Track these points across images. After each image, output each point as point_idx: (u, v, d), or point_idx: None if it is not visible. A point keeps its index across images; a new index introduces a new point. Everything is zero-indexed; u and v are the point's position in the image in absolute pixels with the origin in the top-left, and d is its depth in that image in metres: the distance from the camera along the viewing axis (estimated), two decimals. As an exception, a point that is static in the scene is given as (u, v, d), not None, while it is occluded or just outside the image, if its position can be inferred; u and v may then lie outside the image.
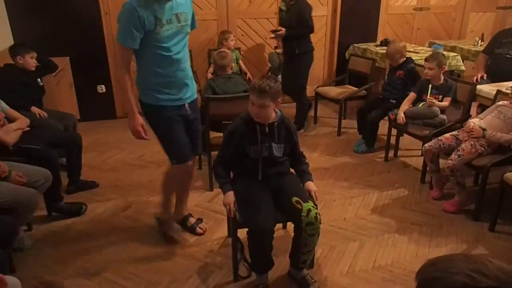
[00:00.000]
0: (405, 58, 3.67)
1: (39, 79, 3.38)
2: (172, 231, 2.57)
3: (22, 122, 2.75)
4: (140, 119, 2.23)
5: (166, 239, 2.56)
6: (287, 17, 3.96)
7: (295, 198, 2.01)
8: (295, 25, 3.89)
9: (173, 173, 2.45)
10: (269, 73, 4.69)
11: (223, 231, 2.65)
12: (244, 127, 2.10)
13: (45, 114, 3.21)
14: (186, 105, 2.31)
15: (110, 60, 4.50)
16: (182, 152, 2.33)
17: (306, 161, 2.29)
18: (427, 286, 0.96)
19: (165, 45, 2.12)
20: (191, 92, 2.34)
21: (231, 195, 2.10)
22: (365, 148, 3.83)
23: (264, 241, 2.01)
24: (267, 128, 2.09)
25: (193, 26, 2.33)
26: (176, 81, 2.23)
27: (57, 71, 3.65)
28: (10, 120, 2.75)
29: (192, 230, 2.63)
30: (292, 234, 2.10)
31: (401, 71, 3.63)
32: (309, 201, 2.03)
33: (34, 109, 3.19)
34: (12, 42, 3.92)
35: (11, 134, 2.64)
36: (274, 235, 2.03)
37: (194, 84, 2.39)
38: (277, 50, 4.65)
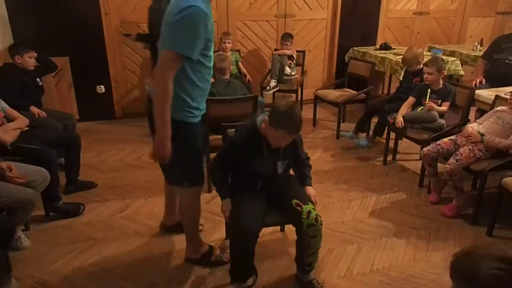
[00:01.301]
0: (421, 66, 3.61)
1: (38, 79, 3.37)
2: (225, 253, 2.33)
3: (21, 121, 2.75)
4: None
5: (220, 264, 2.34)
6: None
7: (295, 201, 2.01)
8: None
9: (192, 198, 2.19)
10: (269, 75, 4.70)
11: (221, 233, 2.64)
12: (250, 141, 2.01)
13: (44, 114, 3.21)
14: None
15: (109, 61, 4.50)
16: (202, 172, 2.14)
17: (309, 163, 2.28)
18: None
19: (209, 54, 1.91)
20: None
21: (228, 202, 2.07)
22: (365, 143, 3.91)
23: (246, 243, 1.94)
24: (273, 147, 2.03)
25: None
26: (205, 94, 2.04)
27: (56, 71, 3.65)
28: (9, 119, 2.75)
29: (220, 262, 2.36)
30: (290, 236, 2.11)
31: (418, 78, 3.62)
32: (309, 203, 2.03)
33: (33, 108, 3.18)
34: (12, 42, 3.92)
35: (9, 133, 2.64)
36: (257, 240, 1.98)
37: None
38: (279, 52, 4.65)
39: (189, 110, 1.95)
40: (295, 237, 2.07)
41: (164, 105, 1.81)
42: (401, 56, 4.53)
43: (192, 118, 1.98)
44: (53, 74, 3.67)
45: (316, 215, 1.97)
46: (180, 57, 1.79)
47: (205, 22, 1.77)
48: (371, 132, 4.01)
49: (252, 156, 2.04)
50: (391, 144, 3.69)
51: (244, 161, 2.06)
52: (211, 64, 1.97)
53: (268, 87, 4.62)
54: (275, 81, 4.62)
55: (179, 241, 2.56)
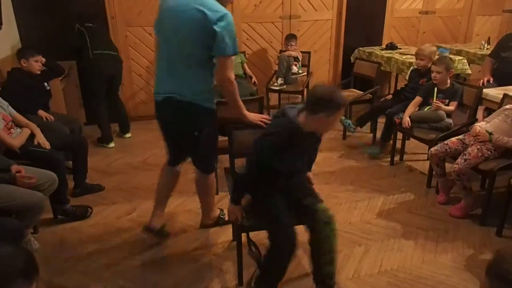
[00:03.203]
0: (429, 64, 3.55)
1: (46, 83, 3.41)
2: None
3: (28, 131, 2.79)
4: None
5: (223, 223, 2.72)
6: None
7: (310, 199, 2.00)
8: None
9: (212, 180, 2.52)
10: (276, 76, 4.70)
11: (228, 234, 2.65)
12: (287, 138, 1.88)
13: (52, 118, 3.24)
14: None
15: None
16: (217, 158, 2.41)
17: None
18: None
19: None
20: None
21: (239, 209, 2.03)
22: (377, 151, 3.81)
23: (291, 256, 1.92)
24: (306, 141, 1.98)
25: None
26: None
27: (63, 75, 3.68)
28: (17, 125, 2.79)
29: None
30: (299, 238, 2.07)
31: (425, 79, 3.59)
32: (323, 202, 2.01)
33: (41, 112, 3.22)
34: (20, 46, 3.96)
35: (17, 137, 2.67)
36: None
37: None
38: (286, 53, 4.65)
39: (212, 99, 2.27)
40: (303, 239, 2.05)
41: (237, 91, 2.21)
42: (407, 56, 4.53)
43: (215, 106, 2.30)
44: (60, 78, 3.71)
45: (330, 214, 1.96)
46: (232, 57, 2.08)
47: None
48: (378, 135, 3.95)
49: (285, 153, 1.93)
50: (398, 144, 3.67)
51: (277, 160, 1.93)
52: None
53: (275, 84, 4.63)
54: (281, 79, 4.63)
55: (186, 244, 2.57)
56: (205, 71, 2.15)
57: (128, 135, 4.34)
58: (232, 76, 2.13)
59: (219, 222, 2.76)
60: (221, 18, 1.98)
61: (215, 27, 1.97)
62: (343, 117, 4.01)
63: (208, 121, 2.25)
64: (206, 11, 1.98)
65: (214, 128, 2.33)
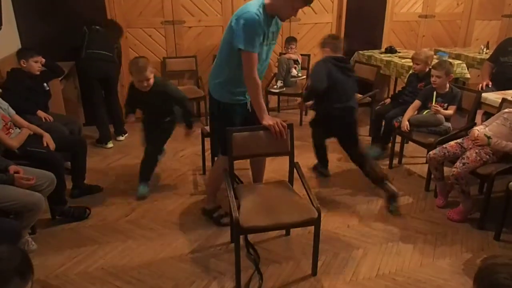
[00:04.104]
0: (427, 69, 3.58)
1: (45, 84, 3.40)
2: (225, 218, 2.77)
3: (27, 131, 2.79)
4: None
5: (218, 224, 2.77)
6: None
7: None
8: None
9: (216, 167, 2.74)
10: (275, 78, 4.71)
11: (226, 236, 2.64)
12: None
13: (51, 118, 3.24)
14: None
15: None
16: None
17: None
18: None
19: None
20: None
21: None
22: (378, 151, 3.81)
23: None
24: None
25: None
26: None
27: (63, 75, 3.68)
28: (16, 125, 2.78)
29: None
30: (295, 240, 2.08)
31: (423, 83, 3.59)
32: None
33: (40, 113, 3.21)
34: (19, 47, 3.96)
35: (16, 137, 2.67)
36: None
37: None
38: (285, 56, 4.66)
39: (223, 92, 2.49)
40: (300, 241, 2.06)
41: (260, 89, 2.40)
42: (407, 60, 4.54)
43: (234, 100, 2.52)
44: (59, 79, 3.71)
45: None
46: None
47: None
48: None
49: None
50: (397, 147, 3.67)
51: None
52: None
53: (275, 86, 4.63)
54: (281, 82, 4.63)
55: (185, 245, 2.57)
56: (237, 66, 2.32)
57: (121, 137, 4.31)
58: (254, 75, 2.28)
59: (220, 221, 2.78)
60: (242, 15, 2.18)
61: (232, 22, 2.22)
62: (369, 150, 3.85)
63: (214, 108, 2.53)
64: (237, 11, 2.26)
65: (221, 118, 2.51)
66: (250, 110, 2.54)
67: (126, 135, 4.35)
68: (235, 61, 2.30)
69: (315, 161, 3.52)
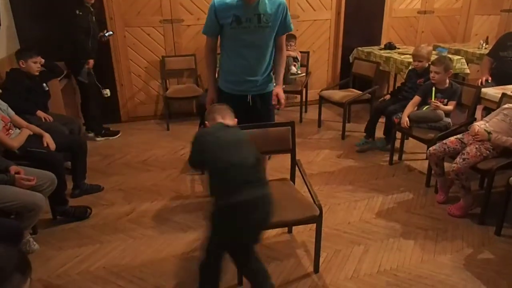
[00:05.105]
0: (427, 64, 3.58)
1: (44, 84, 3.40)
2: None
3: (27, 131, 2.78)
4: None
5: None
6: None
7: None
8: None
9: None
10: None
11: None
12: None
13: (51, 118, 3.23)
14: None
15: (114, 64, 4.53)
16: None
17: None
18: None
19: None
20: None
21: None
22: (382, 144, 3.87)
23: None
24: None
25: None
26: None
27: (62, 76, 3.68)
28: (16, 126, 2.78)
29: None
30: (297, 238, 2.08)
31: (422, 79, 3.59)
32: None
33: (40, 113, 3.21)
34: (18, 47, 3.95)
35: (16, 138, 2.67)
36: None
37: None
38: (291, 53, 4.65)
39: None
40: (303, 239, 2.06)
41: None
42: (406, 56, 4.53)
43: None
44: (59, 79, 3.70)
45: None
46: None
47: None
48: (377, 133, 3.96)
49: None
50: (397, 143, 3.67)
51: None
52: None
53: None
54: None
55: (186, 244, 2.57)
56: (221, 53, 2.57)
57: (98, 138, 4.28)
58: (204, 54, 2.61)
59: None
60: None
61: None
62: (369, 144, 3.93)
63: (220, 99, 2.63)
64: None
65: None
66: (250, 104, 2.55)
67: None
68: (221, 48, 2.52)
69: (315, 158, 3.51)
